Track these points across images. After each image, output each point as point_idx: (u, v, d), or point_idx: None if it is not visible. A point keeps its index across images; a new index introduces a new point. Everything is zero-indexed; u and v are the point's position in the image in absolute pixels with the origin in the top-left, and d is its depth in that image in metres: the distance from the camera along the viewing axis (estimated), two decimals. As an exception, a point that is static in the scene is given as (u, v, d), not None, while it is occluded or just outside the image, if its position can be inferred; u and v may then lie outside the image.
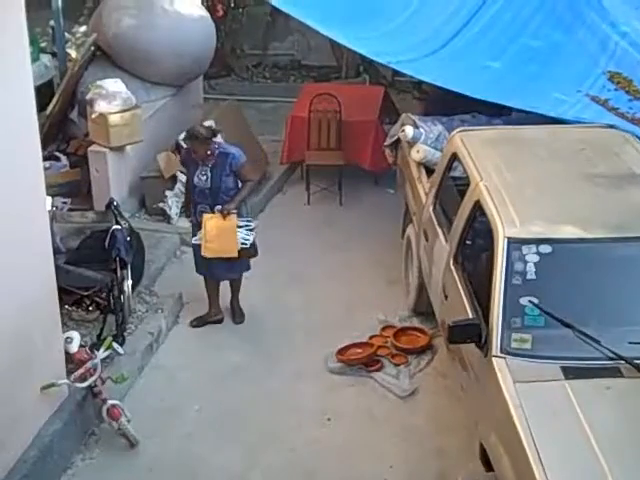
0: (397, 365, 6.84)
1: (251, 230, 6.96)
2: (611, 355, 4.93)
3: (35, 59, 9.63)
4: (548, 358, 5.00)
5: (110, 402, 5.98)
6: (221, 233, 6.85)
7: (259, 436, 6.15)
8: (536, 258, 5.32)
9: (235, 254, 6.95)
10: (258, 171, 9.52)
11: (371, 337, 7.13)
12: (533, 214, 5.60)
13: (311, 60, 12.90)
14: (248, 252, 7.07)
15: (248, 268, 7.27)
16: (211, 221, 6.86)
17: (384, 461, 5.93)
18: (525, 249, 5.34)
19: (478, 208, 5.84)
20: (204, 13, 9.90)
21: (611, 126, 6.82)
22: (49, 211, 6.39)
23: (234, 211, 6.82)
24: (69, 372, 5.91)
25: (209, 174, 6.90)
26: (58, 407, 5.86)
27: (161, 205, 8.66)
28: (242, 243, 6.89)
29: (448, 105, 7.86)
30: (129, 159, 8.80)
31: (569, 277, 5.35)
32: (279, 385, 6.67)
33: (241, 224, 6.90)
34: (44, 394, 5.64)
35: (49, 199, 6.74)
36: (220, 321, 7.36)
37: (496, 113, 7.73)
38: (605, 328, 5.08)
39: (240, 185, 6.98)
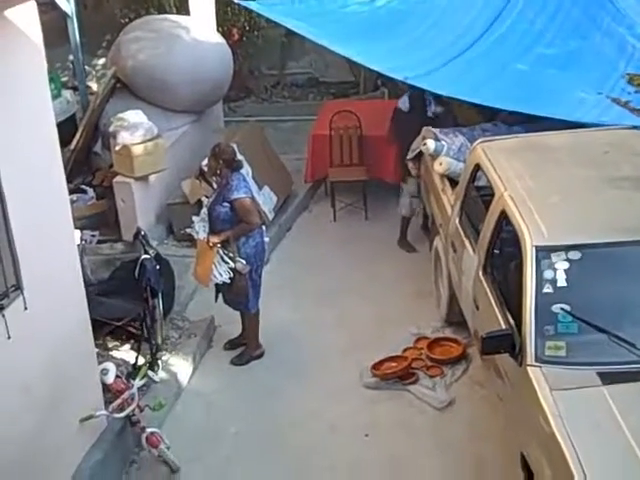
0: (432, 377, 6.84)
1: (232, 270, 6.82)
2: (647, 358, 4.91)
3: (57, 95, 9.79)
4: (584, 364, 4.97)
5: (149, 430, 6.02)
6: (200, 261, 6.94)
7: (298, 457, 6.16)
8: (566, 265, 5.30)
9: (205, 284, 7.06)
10: (284, 190, 9.60)
11: (405, 350, 7.13)
12: (559, 221, 5.60)
13: (329, 77, 12.98)
14: (230, 289, 6.95)
15: (246, 307, 7.10)
16: (200, 245, 6.95)
17: (424, 474, 5.93)
18: (554, 257, 5.33)
19: (504, 218, 5.84)
20: (220, 39, 10.01)
21: (634, 127, 6.80)
22: (78, 245, 6.47)
23: (216, 242, 6.76)
24: (107, 402, 5.96)
25: (212, 199, 6.98)
26: (98, 438, 5.91)
27: (188, 230, 8.68)
28: (214, 277, 6.84)
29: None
30: (154, 187, 8.89)
31: (600, 282, 5.34)
32: (315, 404, 6.68)
33: (224, 259, 6.82)
34: (83, 426, 5.69)
35: (78, 232, 6.83)
36: (260, 356, 7.31)
37: (516, 121, 7.72)
38: (639, 331, 5.05)
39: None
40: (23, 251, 4.93)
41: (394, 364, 6.93)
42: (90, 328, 5.88)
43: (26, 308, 4.97)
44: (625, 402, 4.74)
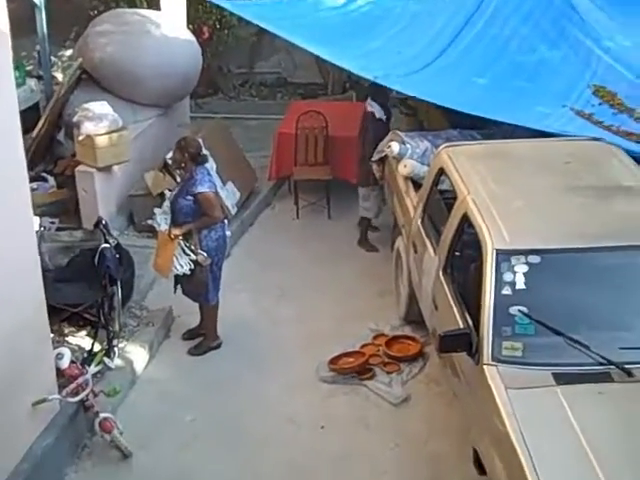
0: (389, 373, 6.88)
1: (193, 262, 6.83)
2: (601, 360, 4.99)
3: (21, 83, 9.73)
4: (539, 365, 5.06)
5: (102, 415, 5.99)
6: (160, 252, 6.95)
7: (254, 446, 6.16)
8: (525, 268, 5.39)
9: (165, 275, 7.07)
10: (247, 186, 9.62)
11: (363, 346, 7.17)
12: (521, 226, 5.69)
13: (297, 77, 13.02)
14: (190, 280, 6.95)
15: (205, 299, 7.11)
16: (161, 237, 6.96)
17: (379, 467, 5.96)
18: (514, 260, 5.41)
19: (466, 221, 5.92)
20: (190, 36, 10.00)
21: (596, 139, 6.92)
22: (37, 231, 6.43)
23: (178, 234, 6.77)
24: (61, 387, 5.91)
25: (175, 192, 6.99)
26: (50, 422, 5.86)
27: (150, 222, 8.66)
28: (175, 268, 6.85)
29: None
30: (116, 178, 8.84)
31: (558, 286, 5.42)
32: (273, 395, 6.69)
33: (186, 251, 6.83)
34: (36, 409, 5.65)
35: (37, 219, 6.78)
36: (218, 347, 7.30)
37: (475, 126, 7.85)
38: (595, 334, 5.15)
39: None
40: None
41: (351, 359, 6.96)
42: (46, 313, 5.82)
43: (-18, 289, 4.93)
44: (578, 402, 4.82)
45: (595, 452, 4.50)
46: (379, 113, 8.53)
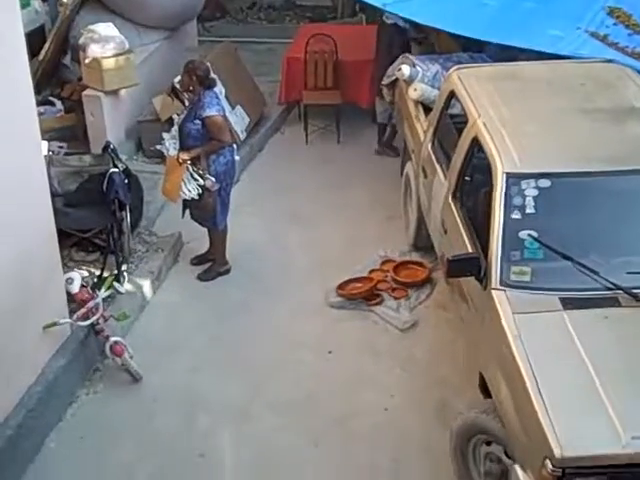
0: (397, 299, 6.91)
1: (201, 187, 6.79)
2: (609, 285, 4.97)
3: (25, 4, 9.53)
4: (547, 290, 5.04)
5: (113, 339, 6.06)
6: (169, 177, 6.91)
7: (262, 370, 6.23)
8: (535, 192, 5.33)
9: (173, 200, 7.05)
10: (256, 111, 9.52)
11: (371, 272, 7.19)
12: (531, 149, 5.60)
13: (306, 0, 12.77)
14: (198, 205, 6.95)
15: (214, 224, 7.11)
16: (169, 162, 6.93)
17: (385, 391, 6.02)
18: (524, 184, 5.35)
19: (476, 144, 5.85)
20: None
21: (610, 61, 6.77)
22: (45, 155, 6.38)
23: (186, 159, 6.72)
24: (71, 312, 5.97)
25: (183, 115, 6.92)
26: (61, 345, 5.93)
27: (158, 147, 8.62)
28: (183, 193, 6.83)
29: None
30: (124, 103, 8.76)
31: (568, 210, 5.37)
32: (281, 321, 6.74)
33: (194, 176, 6.78)
34: (47, 333, 5.71)
35: (45, 144, 6.73)
36: (226, 272, 7.32)
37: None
38: (603, 259, 5.12)
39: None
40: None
41: (359, 285, 6.99)
42: (55, 237, 5.84)
43: (-10, 211, 4.94)
44: (584, 327, 4.81)
45: (600, 376, 4.51)
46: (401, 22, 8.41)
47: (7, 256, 5.20)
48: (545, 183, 5.36)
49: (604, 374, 4.52)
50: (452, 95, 6.60)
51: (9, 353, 5.31)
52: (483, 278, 5.20)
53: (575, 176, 5.41)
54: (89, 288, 6.33)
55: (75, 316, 5.90)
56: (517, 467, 4.50)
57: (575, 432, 4.29)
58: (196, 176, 6.80)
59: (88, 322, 5.96)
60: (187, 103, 7.10)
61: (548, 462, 4.22)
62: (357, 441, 5.60)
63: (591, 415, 4.37)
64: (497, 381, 4.87)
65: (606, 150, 5.57)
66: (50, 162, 7.00)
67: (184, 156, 6.76)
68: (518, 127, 5.81)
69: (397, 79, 7.99)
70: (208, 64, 7.17)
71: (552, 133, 5.78)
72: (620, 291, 4.96)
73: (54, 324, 5.72)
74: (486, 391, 5.08)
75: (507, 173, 5.39)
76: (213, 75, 7.02)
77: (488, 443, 4.96)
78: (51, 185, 6.16)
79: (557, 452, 4.19)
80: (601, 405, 4.38)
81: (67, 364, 5.85)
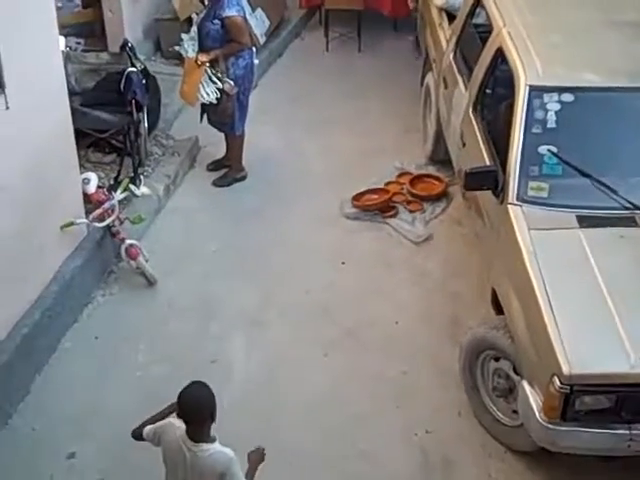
0: (412, 212, 6.88)
1: (220, 91, 6.71)
2: (627, 205, 4.93)
3: None
4: (564, 207, 5.00)
5: (128, 242, 6.09)
6: (187, 79, 6.82)
7: (275, 277, 6.26)
8: (557, 107, 5.24)
9: (191, 103, 6.97)
10: (276, 15, 9.32)
11: (387, 184, 7.14)
12: (556, 62, 5.49)
13: None
14: (216, 109, 6.87)
15: (231, 129, 7.05)
16: (188, 63, 6.82)
17: (397, 303, 6.04)
18: (546, 97, 5.25)
19: (500, 55, 5.72)
20: None
21: (643, -28, 6.56)
22: (63, 51, 6.28)
23: (205, 60, 6.63)
24: (88, 213, 5.99)
25: (202, 15, 6.82)
26: (78, 245, 5.96)
27: (177, 48, 8.46)
28: (202, 96, 6.74)
29: None
30: (143, 0, 8.59)
31: (590, 127, 5.28)
32: (296, 229, 6.74)
33: (212, 79, 6.69)
34: (64, 232, 5.73)
35: (62, 39, 6.61)
36: (243, 179, 7.29)
37: None
38: (623, 178, 5.07)
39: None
40: (5, 49, 4.77)
41: (375, 196, 6.96)
42: (72, 135, 5.80)
43: (8, 107, 4.87)
44: (599, 245, 4.79)
45: (612, 295, 4.51)
46: None
47: (24, 148, 5.17)
48: (568, 97, 5.26)
49: (617, 294, 4.52)
50: (477, 2, 6.44)
51: (27, 251, 5.35)
52: (500, 193, 5.15)
53: (600, 91, 5.31)
54: (105, 189, 6.34)
55: (91, 217, 5.92)
56: (525, 383, 4.54)
57: (584, 350, 4.31)
58: (215, 79, 6.71)
59: (104, 223, 5.97)
60: (207, 2, 6.96)
61: (556, 379, 4.25)
62: (366, 352, 5.65)
63: (601, 334, 4.39)
64: (509, 297, 4.88)
65: (633, 66, 5.43)
66: (67, 58, 6.90)
67: (203, 58, 6.66)
68: (544, 38, 5.68)
69: (422, -16, 7.80)
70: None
71: (579, 46, 5.65)
72: (638, 211, 4.92)
73: (71, 223, 5.73)
74: (498, 308, 5.09)
75: (530, 85, 5.29)
76: None
77: (497, 359, 4.99)
78: (68, 82, 6.10)
79: (565, 369, 4.22)
80: (612, 324, 4.39)
81: (83, 264, 5.89)
